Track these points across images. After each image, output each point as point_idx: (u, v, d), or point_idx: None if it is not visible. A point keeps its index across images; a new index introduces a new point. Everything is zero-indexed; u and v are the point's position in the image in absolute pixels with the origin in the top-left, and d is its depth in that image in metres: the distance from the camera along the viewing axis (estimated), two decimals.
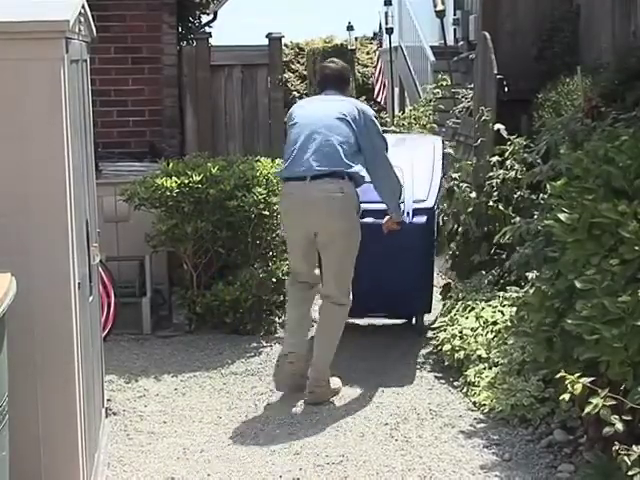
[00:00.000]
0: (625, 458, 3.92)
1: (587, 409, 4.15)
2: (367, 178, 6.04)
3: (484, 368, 5.89)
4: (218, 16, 10.80)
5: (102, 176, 7.57)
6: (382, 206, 6.33)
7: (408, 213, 6.65)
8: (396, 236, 6.43)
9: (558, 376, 4.30)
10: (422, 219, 6.74)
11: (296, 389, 5.96)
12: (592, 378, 4.23)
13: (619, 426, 4.09)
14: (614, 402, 4.13)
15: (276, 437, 5.35)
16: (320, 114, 6.07)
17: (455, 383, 6.11)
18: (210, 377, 6.39)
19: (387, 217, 6.38)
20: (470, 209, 7.37)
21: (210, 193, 7.07)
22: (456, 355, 6.20)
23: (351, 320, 7.58)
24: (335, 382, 6.03)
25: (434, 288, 7.33)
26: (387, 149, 6.16)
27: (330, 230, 5.90)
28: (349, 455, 5.07)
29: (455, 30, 15.14)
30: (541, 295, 5.07)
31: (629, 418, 4.15)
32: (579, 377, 4.22)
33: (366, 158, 6.00)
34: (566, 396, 4.22)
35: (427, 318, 7.52)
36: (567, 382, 4.21)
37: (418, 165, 7.00)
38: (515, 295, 6.29)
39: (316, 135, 5.95)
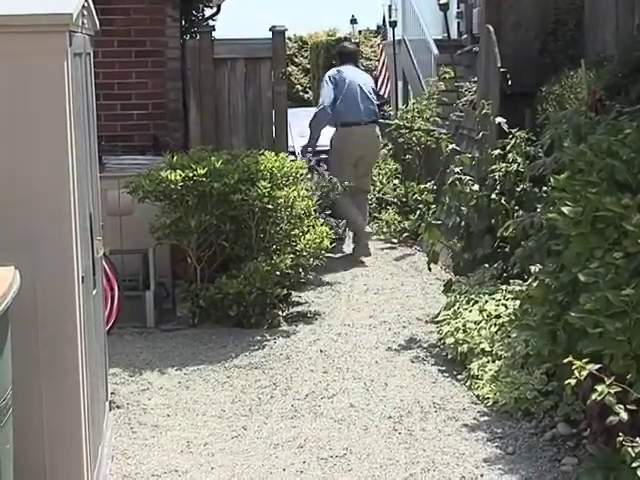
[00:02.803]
0: (629, 449, 3.92)
1: (592, 396, 4.15)
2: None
3: (487, 361, 5.89)
4: (221, 9, 10.78)
5: (105, 169, 7.56)
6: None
7: None
8: None
9: (565, 361, 4.29)
10: None
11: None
12: (598, 365, 4.23)
13: (624, 415, 4.09)
14: (619, 389, 4.13)
15: (279, 430, 5.36)
16: (358, 79, 9.90)
17: (459, 376, 6.11)
18: (214, 370, 6.40)
19: None
20: (472, 202, 7.36)
21: (214, 187, 7.07)
22: (459, 348, 6.20)
23: (356, 318, 7.62)
24: None
25: (438, 281, 7.35)
26: None
27: (372, 153, 10.13)
28: (353, 448, 5.07)
29: (459, 23, 15.13)
30: (545, 288, 5.07)
31: (634, 408, 4.15)
32: (586, 363, 4.22)
33: None
34: (572, 381, 4.22)
35: (430, 311, 7.53)
36: (574, 368, 4.21)
37: None
38: (518, 288, 6.28)
39: (362, 94, 9.79)
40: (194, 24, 9.84)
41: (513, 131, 7.34)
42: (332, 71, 10.09)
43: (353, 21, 22.30)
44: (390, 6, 17.21)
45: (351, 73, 9.93)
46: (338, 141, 9.91)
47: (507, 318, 6.12)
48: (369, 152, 10.00)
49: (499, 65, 8.16)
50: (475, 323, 6.28)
